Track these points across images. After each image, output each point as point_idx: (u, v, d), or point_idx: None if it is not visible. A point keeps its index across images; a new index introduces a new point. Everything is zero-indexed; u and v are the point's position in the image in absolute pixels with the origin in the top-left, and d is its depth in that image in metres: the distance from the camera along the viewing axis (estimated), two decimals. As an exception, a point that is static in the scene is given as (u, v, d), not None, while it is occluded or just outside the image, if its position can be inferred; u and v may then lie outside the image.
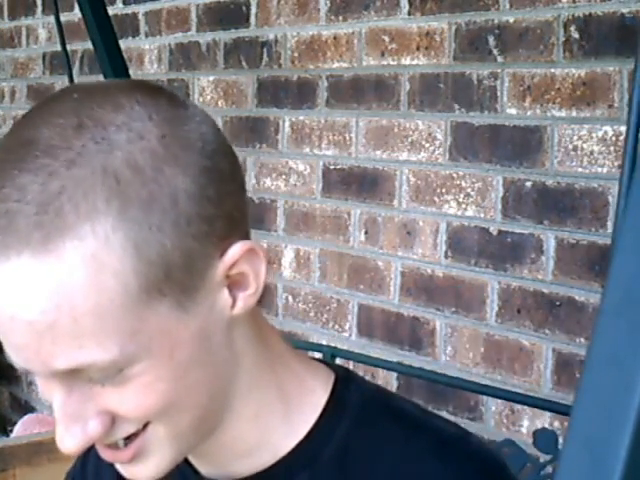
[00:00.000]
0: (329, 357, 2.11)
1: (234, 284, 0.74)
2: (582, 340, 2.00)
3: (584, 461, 0.46)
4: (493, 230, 2.18)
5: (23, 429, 3.17)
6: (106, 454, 0.76)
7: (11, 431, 3.40)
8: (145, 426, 0.74)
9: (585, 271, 2.00)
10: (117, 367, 0.70)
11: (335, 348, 2.24)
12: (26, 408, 4.02)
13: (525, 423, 2.13)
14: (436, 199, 2.31)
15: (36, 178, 0.66)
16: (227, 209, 0.73)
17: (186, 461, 0.84)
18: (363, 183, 2.50)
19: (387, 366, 2.27)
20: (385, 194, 2.43)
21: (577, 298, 2.01)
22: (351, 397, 0.83)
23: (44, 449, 2.51)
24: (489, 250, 2.19)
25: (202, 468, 0.85)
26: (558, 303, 2.05)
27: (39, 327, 0.67)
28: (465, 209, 2.24)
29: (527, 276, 2.11)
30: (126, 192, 0.67)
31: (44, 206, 0.66)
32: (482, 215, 2.20)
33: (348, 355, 2.25)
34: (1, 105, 4.17)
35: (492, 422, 2.20)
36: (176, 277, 0.70)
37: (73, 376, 0.70)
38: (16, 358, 0.71)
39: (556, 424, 2.04)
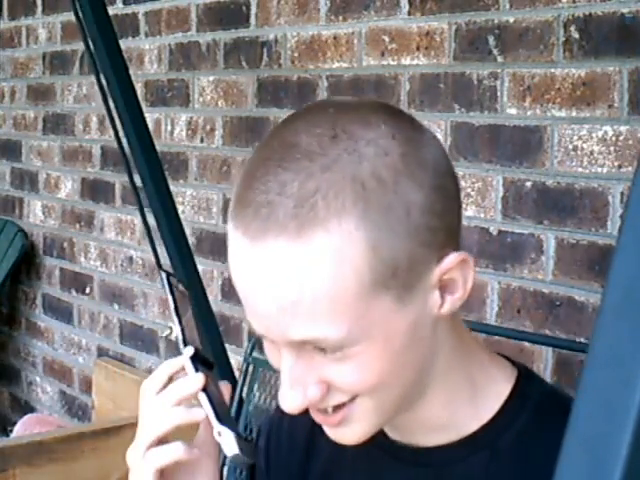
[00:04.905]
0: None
1: (445, 287, 0.84)
2: (582, 340, 2.00)
3: (584, 461, 0.46)
4: (493, 230, 2.18)
5: (23, 429, 3.17)
6: (317, 417, 0.87)
7: (11, 431, 3.40)
8: (353, 398, 0.85)
9: (585, 271, 2.00)
10: (342, 344, 0.80)
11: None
12: (26, 408, 4.02)
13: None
14: (436, 199, 2.31)
15: (296, 177, 0.78)
16: (448, 223, 0.84)
17: None
18: (363, 183, 2.49)
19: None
20: (385, 194, 2.43)
21: (577, 298, 2.01)
22: (532, 391, 0.92)
23: (44, 449, 2.52)
24: (489, 250, 2.19)
25: (391, 434, 0.95)
26: (558, 303, 2.05)
27: (283, 302, 0.79)
28: (465, 209, 2.24)
29: (527, 276, 2.11)
30: (370, 198, 0.78)
31: (301, 201, 0.77)
32: (482, 215, 2.20)
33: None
34: (1, 105, 4.17)
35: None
36: (400, 276, 0.80)
37: (302, 346, 0.81)
38: (257, 326, 0.83)
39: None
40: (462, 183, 2.24)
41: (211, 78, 3.00)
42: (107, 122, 3.36)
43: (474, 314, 2.23)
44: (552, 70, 2.04)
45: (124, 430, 2.50)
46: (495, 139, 2.17)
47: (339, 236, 0.77)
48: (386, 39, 2.42)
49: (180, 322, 0.93)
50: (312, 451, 1.02)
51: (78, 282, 3.73)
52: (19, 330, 4.16)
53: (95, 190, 3.60)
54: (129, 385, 3.10)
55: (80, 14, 1.96)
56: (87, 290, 3.68)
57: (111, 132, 3.36)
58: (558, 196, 2.04)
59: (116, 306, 3.50)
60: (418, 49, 2.34)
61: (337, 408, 0.85)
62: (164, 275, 0.96)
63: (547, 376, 2.07)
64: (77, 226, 3.72)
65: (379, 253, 0.78)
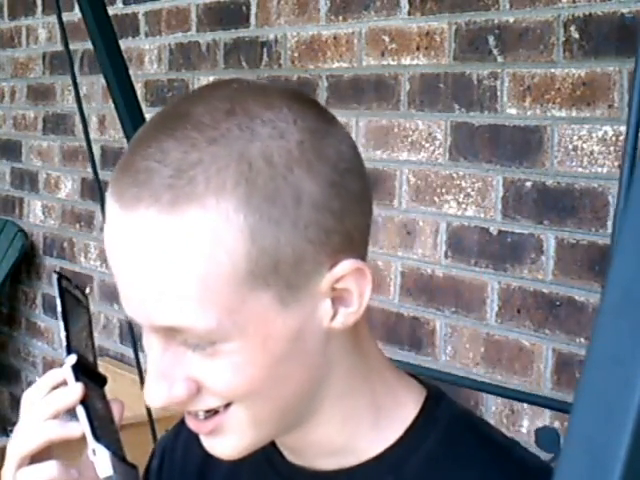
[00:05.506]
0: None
1: (338, 298, 0.77)
2: (582, 340, 2.00)
3: (584, 461, 0.46)
4: (493, 230, 2.18)
5: (23, 429, 3.17)
6: (190, 422, 0.81)
7: (11, 431, 3.40)
8: (227, 406, 0.78)
9: (585, 271, 2.00)
10: (211, 338, 0.73)
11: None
12: (26, 408, 4.02)
13: (525, 423, 2.13)
14: (436, 199, 2.31)
15: (179, 146, 0.72)
16: (347, 227, 0.76)
17: (274, 445, 0.87)
18: (363, 183, 2.49)
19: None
20: (385, 194, 2.43)
21: (577, 298, 2.01)
22: (441, 414, 0.85)
23: (44, 449, 2.51)
24: (489, 250, 2.19)
25: (289, 456, 0.88)
26: (558, 303, 2.05)
27: (149, 279, 0.72)
28: (465, 209, 2.24)
29: (527, 276, 2.11)
30: (255, 180, 0.71)
31: (180, 172, 0.71)
32: (482, 215, 2.20)
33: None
34: (1, 105, 4.17)
35: (492, 422, 2.20)
36: (283, 272, 0.73)
37: (171, 335, 0.75)
38: (126, 306, 0.76)
39: (556, 424, 2.04)
40: (462, 183, 2.24)
41: (211, 78, 3.00)
42: (107, 122, 3.37)
43: (474, 314, 2.23)
44: (552, 70, 2.04)
45: (124, 430, 2.50)
46: (495, 139, 2.17)
47: (216, 215, 0.71)
48: (386, 39, 2.42)
49: (66, 329, 0.86)
50: (207, 472, 0.95)
51: (78, 282, 3.73)
52: (19, 330, 4.16)
53: (95, 190, 3.59)
54: (129, 385, 3.10)
55: (61, 13, 1.96)
56: (87, 290, 3.68)
57: (111, 132, 3.37)
58: (558, 196, 2.04)
59: (116, 306, 3.49)
60: (418, 49, 2.34)
61: (209, 415, 0.78)
62: (55, 277, 0.88)
63: (547, 376, 2.07)
64: (77, 226, 3.72)
65: (259, 242, 0.71)
